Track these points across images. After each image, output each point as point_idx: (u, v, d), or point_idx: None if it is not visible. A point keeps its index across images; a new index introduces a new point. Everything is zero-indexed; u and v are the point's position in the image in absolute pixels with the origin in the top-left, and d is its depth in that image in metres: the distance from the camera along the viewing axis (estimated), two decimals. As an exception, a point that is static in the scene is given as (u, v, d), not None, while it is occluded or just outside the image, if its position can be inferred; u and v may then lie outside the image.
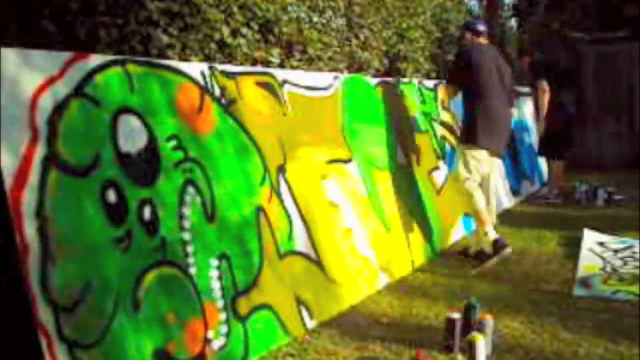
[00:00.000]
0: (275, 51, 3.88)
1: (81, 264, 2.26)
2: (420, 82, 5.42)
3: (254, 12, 3.68)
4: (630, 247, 4.73)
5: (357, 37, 4.91)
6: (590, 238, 4.97)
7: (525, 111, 8.19)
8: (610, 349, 2.89)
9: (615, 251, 4.64)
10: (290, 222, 3.32)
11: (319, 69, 4.32)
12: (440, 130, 5.45)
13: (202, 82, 3.00)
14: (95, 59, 2.52)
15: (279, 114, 3.49)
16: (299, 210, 3.42)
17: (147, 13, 2.97)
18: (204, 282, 2.71)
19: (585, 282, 3.91)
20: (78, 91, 2.40)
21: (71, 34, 2.69)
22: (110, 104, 2.52)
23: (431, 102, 5.47)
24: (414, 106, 5.15)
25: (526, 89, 8.55)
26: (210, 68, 3.10)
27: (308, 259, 3.38)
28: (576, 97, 9.21)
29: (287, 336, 3.03)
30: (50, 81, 2.30)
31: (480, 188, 4.43)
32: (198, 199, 2.79)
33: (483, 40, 4.54)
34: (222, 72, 3.16)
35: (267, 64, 3.80)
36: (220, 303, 2.76)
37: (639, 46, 9.55)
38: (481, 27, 4.55)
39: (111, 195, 2.42)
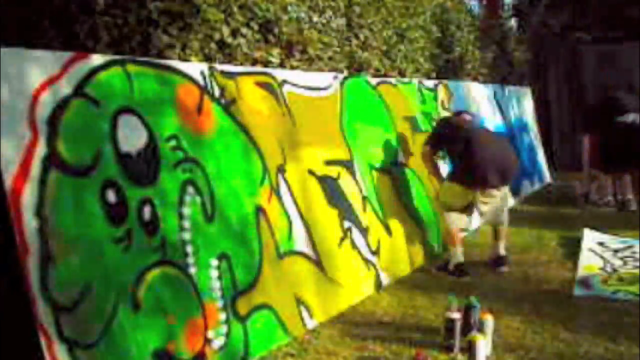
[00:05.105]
0: (275, 51, 3.87)
1: (81, 264, 2.26)
2: (420, 82, 5.42)
3: (254, 12, 3.67)
4: (630, 247, 4.74)
5: (357, 37, 4.90)
6: (590, 238, 4.97)
7: (525, 110, 8.19)
8: (610, 349, 2.89)
9: (615, 251, 4.64)
10: (290, 222, 3.32)
11: (319, 69, 4.32)
12: (441, 130, 5.44)
13: (202, 82, 3.00)
14: (95, 59, 2.52)
15: (279, 114, 3.49)
16: (299, 210, 3.42)
17: (147, 13, 2.97)
18: (204, 282, 2.71)
19: (585, 282, 3.91)
20: (78, 91, 2.40)
21: (71, 34, 2.69)
22: (111, 104, 2.52)
23: (431, 102, 5.47)
24: (414, 106, 5.15)
25: (527, 89, 8.57)
26: (210, 68, 3.10)
27: (308, 259, 3.38)
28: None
29: (287, 336, 3.03)
30: (51, 81, 2.31)
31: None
32: (198, 199, 2.80)
33: None
34: (222, 72, 3.16)
35: (267, 64, 3.80)
36: (220, 303, 2.76)
37: (639, 46, 9.54)
38: None
39: (111, 195, 2.42)
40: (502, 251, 4.36)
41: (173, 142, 2.74)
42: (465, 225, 4.45)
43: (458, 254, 4.22)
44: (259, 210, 3.12)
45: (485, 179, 4.16)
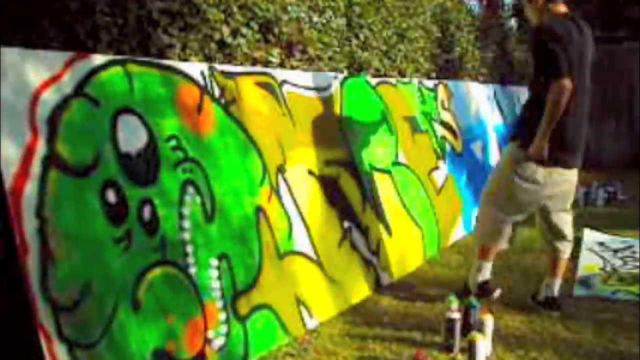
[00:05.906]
0: (275, 51, 3.87)
1: (81, 264, 2.26)
2: (420, 82, 5.42)
3: (254, 12, 3.67)
4: (630, 247, 4.74)
5: (357, 37, 4.90)
6: (590, 238, 4.98)
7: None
8: (610, 349, 2.89)
9: (615, 251, 4.65)
10: (290, 222, 3.32)
11: (319, 69, 4.31)
12: (440, 130, 5.45)
13: (202, 82, 3.00)
14: (95, 59, 2.52)
15: (279, 114, 3.49)
16: (299, 210, 3.42)
17: (147, 13, 2.97)
18: (204, 282, 2.71)
19: (585, 282, 3.91)
20: (78, 91, 2.40)
21: (71, 34, 2.69)
22: (111, 104, 2.52)
23: (431, 102, 5.47)
24: (414, 106, 5.15)
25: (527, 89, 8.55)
26: (210, 68, 3.11)
27: (308, 259, 3.38)
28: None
29: (287, 336, 3.03)
30: (51, 81, 2.31)
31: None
32: (198, 199, 2.80)
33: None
34: (222, 72, 3.17)
35: (267, 64, 3.80)
36: (220, 303, 2.76)
37: (639, 46, 9.54)
38: None
39: (111, 195, 2.42)
40: (556, 291, 3.40)
41: (173, 142, 2.74)
42: (505, 245, 3.56)
43: (486, 270, 3.49)
44: (259, 210, 3.12)
45: (574, 148, 3.16)
